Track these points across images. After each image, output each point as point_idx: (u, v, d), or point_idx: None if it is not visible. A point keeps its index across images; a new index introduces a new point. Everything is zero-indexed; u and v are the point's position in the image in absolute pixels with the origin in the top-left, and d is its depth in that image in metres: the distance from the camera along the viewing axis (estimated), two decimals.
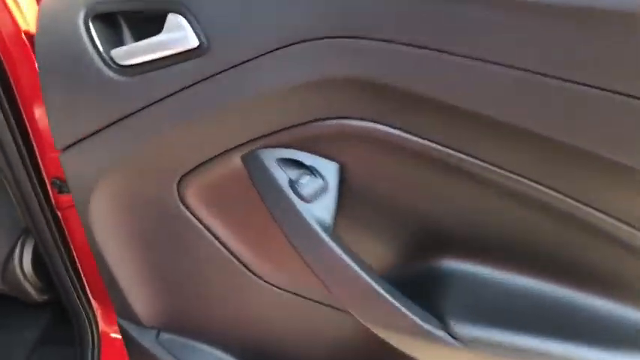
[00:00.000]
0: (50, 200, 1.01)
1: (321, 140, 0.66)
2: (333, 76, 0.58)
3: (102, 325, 1.20)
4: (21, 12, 0.81)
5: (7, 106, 0.84)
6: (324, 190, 0.68)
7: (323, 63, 0.58)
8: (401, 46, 0.53)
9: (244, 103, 0.64)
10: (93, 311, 1.18)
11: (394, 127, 0.62)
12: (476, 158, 0.60)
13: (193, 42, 0.61)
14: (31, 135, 0.91)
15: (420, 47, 0.52)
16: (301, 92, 0.61)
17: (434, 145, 0.61)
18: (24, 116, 0.88)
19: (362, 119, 0.63)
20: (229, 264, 0.82)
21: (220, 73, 0.62)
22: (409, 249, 0.74)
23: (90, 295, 1.15)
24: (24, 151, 0.90)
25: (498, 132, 0.56)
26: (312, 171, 0.68)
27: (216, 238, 0.80)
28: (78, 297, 1.15)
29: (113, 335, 1.18)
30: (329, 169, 0.69)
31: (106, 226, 0.82)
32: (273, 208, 0.69)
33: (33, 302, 1.28)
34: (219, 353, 0.94)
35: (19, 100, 0.86)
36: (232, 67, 0.62)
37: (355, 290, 0.68)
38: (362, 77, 0.57)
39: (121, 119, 0.69)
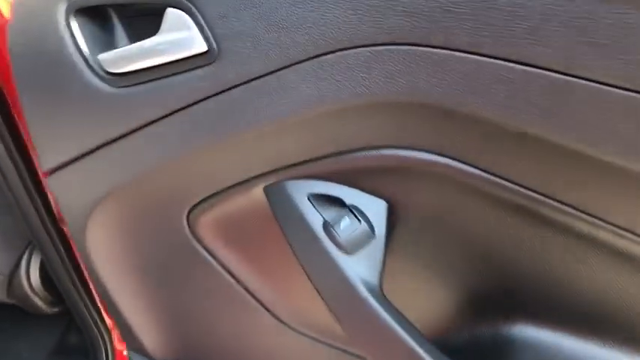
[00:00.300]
0: (53, 214, 0.89)
1: (366, 173, 0.52)
2: (390, 97, 0.42)
3: (116, 343, 1.12)
4: (7, 3, 0.67)
5: None
6: (368, 238, 0.52)
7: (378, 78, 0.42)
8: (494, 61, 0.35)
9: (267, 125, 0.48)
10: (106, 327, 1.09)
11: (464, 163, 0.47)
12: (570, 207, 0.45)
13: (200, 46, 0.46)
14: (28, 145, 0.78)
15: (522, 64, 0.35)
16: (344, 115, 0.46)
17: (517, 187, 0.46)
18: (18, 124, 0.75)
19: (423, 150, 0.47)
20: (246, 303, 0.71)
21: (236, 87, 0.47)
22: (471, 310, 0.60)
23: (103, 312, 1.06)
24: (20, 164, 0.77)
25: (608, 176, 0.41)
26: (353, 212, 0.52)
27: (232, 275, 0.68)
28: (90, 314, 1.07)
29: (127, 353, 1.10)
30: (375, 210, 0.53)
31: (107, 257, 0.71)
32: (302, 256, 0.55)
33: (43, 315, 1.20)
34: None
35: (11, 107, 0.73)
36: (252, 79, 0.46)
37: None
38: (431, 101, 0.40)
39: (115, 140, 0.54)
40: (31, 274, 1.11)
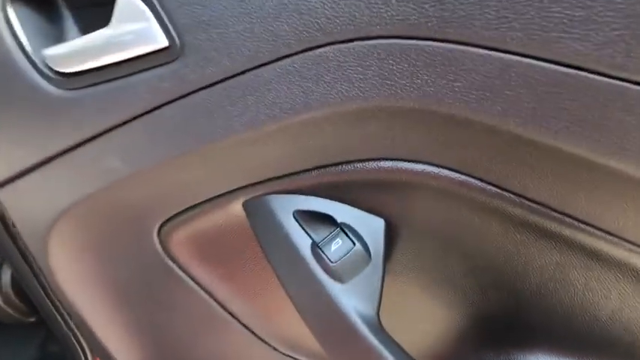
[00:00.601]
0: None
1: (361, 188, 0.45)
2: (390, 103, 0.34)
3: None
4: None
5: None
6: (364, 262, 0.45)
7: (375, 79, 0.35)
8: (523, 60, 0.28)
9: (243, 133, 0.40)
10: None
11: (473, 177, 0.40)
12: (590, 225, 0.38)
13: (160, 40, 0.38)
14: None
15: (557, 64, 0.27)
16: (334, 121, 0.39)
17: (531, 203, 0.39)
18: None
19: (426, 163, 0.39)
20: (227, 323, 0.64)
21: (203, 89, 0.39)
22: (479, 336, 0.53)
23: None
24: None
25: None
26: (346, 232, 0.45)
27: (211, 295, 0.61)
28: (67, 325, 0.99)
29: None
30: (371, 229, 0.46)
31: (73, 277, 0.64)
32: (287, 282, 0.47)
33: (19, 324, 1.14)
34: None
35: None
36: (221, 80, 0.38)
37: None
38: (440, 109, 0.33)
39: (69, 150, 0.47)
40: (3, 284, 1.04)
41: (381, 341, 0.45)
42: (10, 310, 1.06)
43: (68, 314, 0.90)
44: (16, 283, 1.02)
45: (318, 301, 0.46)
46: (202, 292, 0.61)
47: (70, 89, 0.44)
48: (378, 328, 0.46)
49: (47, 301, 0.90)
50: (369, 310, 0.45)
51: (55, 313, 0.92)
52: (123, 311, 0.69)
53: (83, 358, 1.02)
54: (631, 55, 0.27)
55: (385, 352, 0.45)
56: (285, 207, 0.47)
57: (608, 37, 0.27)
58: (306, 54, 0.36)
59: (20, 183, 0.53)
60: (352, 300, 0.45)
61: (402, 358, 0.46)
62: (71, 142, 0.47)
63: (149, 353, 0.76)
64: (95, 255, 0.61)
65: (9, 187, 0.54)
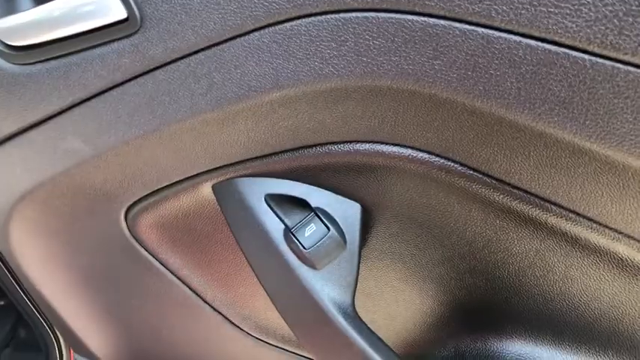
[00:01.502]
0: None
1: (335, 171, 0.43)
2: (365, 81, 0.32)
3: None
4: None
5: None
6: (338, 247, 0.43)
7: (350, 56, 0.33)
8: (509, 37, 0.25)
9: (209, 113, 0.38)
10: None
11: (452, 160, 0.38)
12: (573, 212, 0.38)
13: (117, 12, 0.35)
14: None
15: (545, 42, 0.25)
16: (307, 101, 0.37)
17: (511, 189, 0.38)
18: None
19: (403, 145, 0.37)
20: (199, 307, 0.63)
21: (165, 65, 0.36)
22: (457, 322, 0.52)
23: None
24: None
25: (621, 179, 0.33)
26: (320, 216, 0.43)
27: (181, 279, 0.59)
28: (37, 309, 0.97)
29: None
30: (346, 214, 0.44)
31: (37, 262, 0.62)
32: (259, 268, 0.45)
33: None
34: None
35: None
36: (185, 56, 0.36)
37: None
38: (420, 87, 0.31)
39: (25, 130, 0.44)
40: None
41: (356, 329, 0.44)
42: None
43: (36, 300, 0.88)
44: None
45: (291, 288, 0.44)
46: (173, 277, 0.59)
47: (23, 64, 0.41)
48: (352, 316, 0.44)
49: (15, 285, 0.88)
50: (344, 297, 0.44)
51: (24, 297, 0.89)
52: (91, 298, 0.67)
53: (55, 341, 0.99)
54: (624, 33, 0.25)
55: (360, 340, 0.44)
56: (257, 190, 0.45)
57: (601, 14, 0.25)
58: (276, 28, 0.34)
59: None
60: (326, 287, 0.43)
61: (377, 346, 0.45)
62: (27, 122, 0.44)
63: (120, 339, 0.74)
64: (60, 240, 0.59)
65: None
